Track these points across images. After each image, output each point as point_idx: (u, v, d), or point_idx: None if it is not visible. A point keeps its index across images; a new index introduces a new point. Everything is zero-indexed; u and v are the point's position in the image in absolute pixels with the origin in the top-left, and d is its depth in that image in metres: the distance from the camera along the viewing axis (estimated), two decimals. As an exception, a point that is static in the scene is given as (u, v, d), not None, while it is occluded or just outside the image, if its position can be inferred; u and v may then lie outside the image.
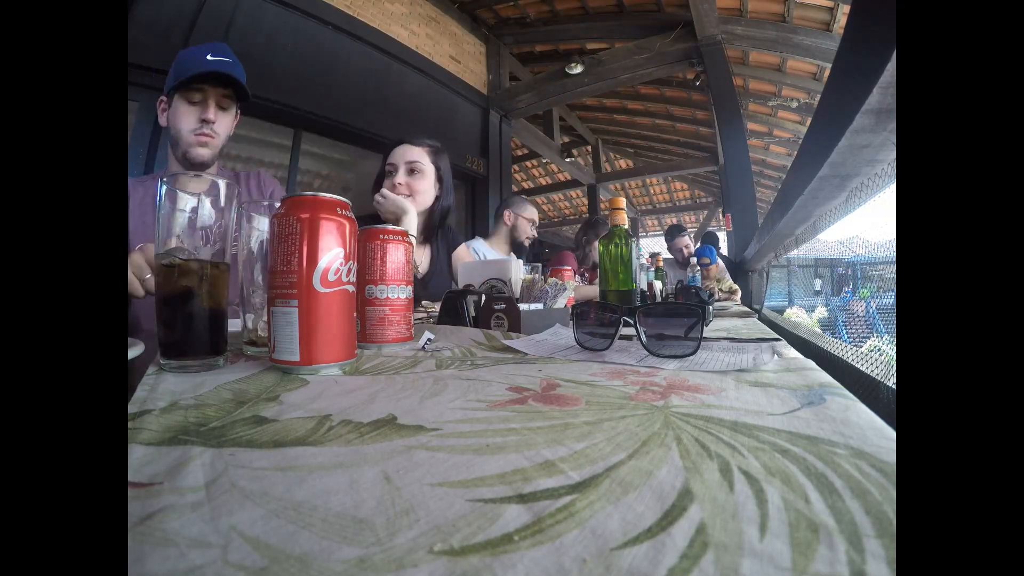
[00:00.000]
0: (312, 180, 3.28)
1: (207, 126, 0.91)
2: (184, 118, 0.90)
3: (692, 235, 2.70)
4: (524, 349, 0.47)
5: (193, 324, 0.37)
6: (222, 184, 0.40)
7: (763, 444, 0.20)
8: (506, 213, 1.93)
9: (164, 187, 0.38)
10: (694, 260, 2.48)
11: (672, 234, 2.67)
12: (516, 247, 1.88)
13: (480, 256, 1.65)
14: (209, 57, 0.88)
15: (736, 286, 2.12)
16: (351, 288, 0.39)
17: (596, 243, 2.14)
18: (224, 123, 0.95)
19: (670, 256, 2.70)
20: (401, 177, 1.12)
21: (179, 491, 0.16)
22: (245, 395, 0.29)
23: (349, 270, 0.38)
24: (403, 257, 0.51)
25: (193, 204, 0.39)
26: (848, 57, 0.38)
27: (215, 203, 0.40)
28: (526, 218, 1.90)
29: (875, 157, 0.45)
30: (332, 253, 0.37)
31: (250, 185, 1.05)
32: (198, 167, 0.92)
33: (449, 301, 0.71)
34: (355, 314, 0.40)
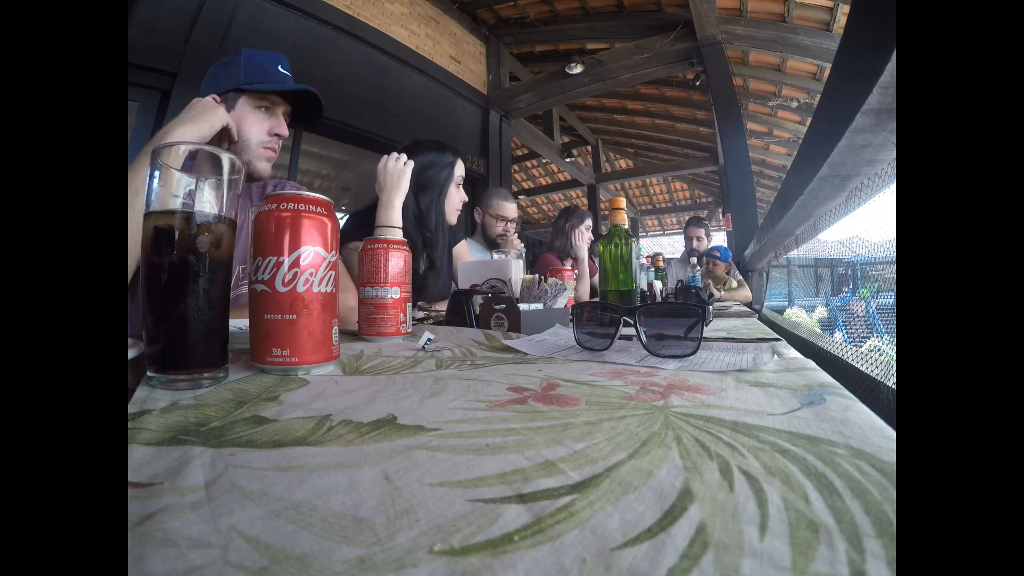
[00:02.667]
0: (312, 180, 3.28)
1: (277, 141, 0.84)
2: (254, 127, 0.82)
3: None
4: (524, 349, 0.47)
5: (195, 319, 0.31)
6: (225, 160, 0.34)
7: (763, 444, 0.20)
8: (475, 211, 1.84)
9: (156, 170, 0.31)
10: (694, 260, 2.47)
11: (689, 223, 2.60)
12: (491, 245, 1.76)
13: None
14: (280, 69, 0.84)
15: (744, 287, 2.10)
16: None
17: (580, 228, 2.09)
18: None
19: (673, 256, 2.68)
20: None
21: (179, 491, 0.16)
22: (245, 395, 0.29)
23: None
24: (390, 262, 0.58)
25: (190, 188, 0.32)
26: (848, 57, 0.38)
27: (216, 187, 0.33)
28: (492, 215, 1.77)
29: (875, 157, 0.45)
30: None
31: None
32: (253, 180, 0.86)
33: (456, 301, 0.71)
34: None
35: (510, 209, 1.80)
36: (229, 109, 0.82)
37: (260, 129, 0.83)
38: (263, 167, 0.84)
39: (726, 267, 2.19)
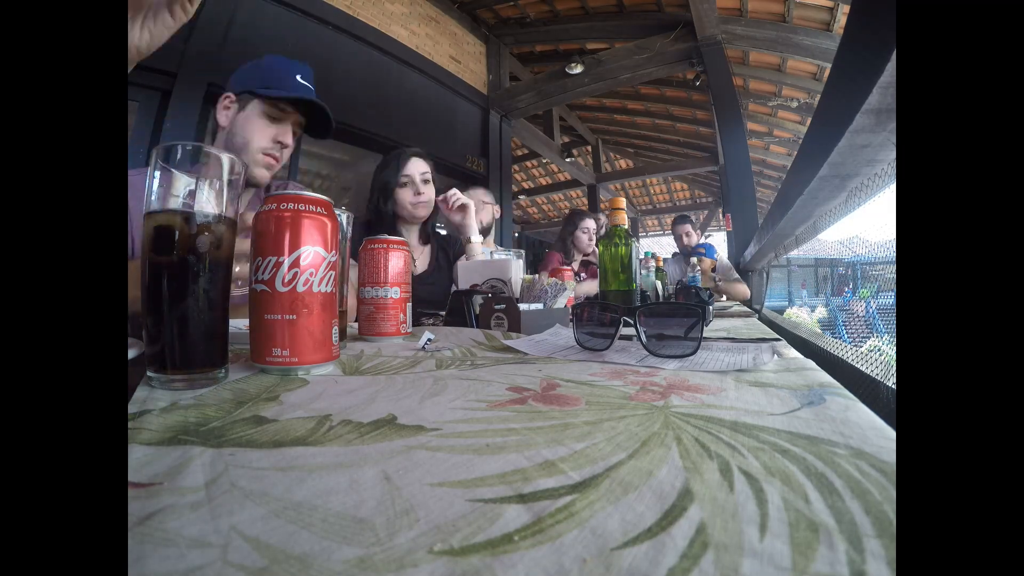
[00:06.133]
0: (312, 180, 3.27)
1: (280, 149, 0.84)
2: (259, 133, 0.82)
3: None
4: (524, 349, 0.47)
5: (196, 318, 0.31)
6: (225, 160, 0.33)
7: (763, 444, 0.20)
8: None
9: (157, 170, 0.31)
10: (694, 260, 2.48)
11: (676, 221, 2.68)
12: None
13: None
14: (299, 79, 0.83)
15: (740, 282, 2.11)
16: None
17: (576, 233, 2.13)
18: (290, 150, 0.88)
19: (670, 256, 2.70)
20: (421, 187, 1.24)
21: (179, 491, 0.16)
22: (245, 395, 0.29)
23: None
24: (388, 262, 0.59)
25: (190, 188, 0.32)
26: (848, 57, 0.38)
27: (216, 188, 0.33)
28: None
29: (875, 157, 0.45)
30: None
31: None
32: (251, 186, 0.86)
33: (456, 301, 0.71)
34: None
35: (481, 195, 1.90)
36: (240, 110, 0.83)
37: (264, 135, 0.82)
38: (260, 174, 0.84)
39: (712, 263, 2.22)
